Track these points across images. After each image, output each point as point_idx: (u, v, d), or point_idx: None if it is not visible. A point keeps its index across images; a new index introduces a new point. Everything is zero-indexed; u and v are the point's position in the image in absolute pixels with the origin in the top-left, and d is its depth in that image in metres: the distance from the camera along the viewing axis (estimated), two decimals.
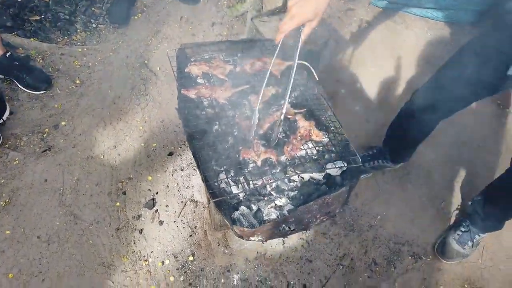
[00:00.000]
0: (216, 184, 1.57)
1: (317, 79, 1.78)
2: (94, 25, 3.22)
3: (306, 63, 1.83)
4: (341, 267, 2.15)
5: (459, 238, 2.17)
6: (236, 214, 1.54)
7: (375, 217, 2.35)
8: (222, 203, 1.56)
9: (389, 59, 3.25)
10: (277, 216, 1.53)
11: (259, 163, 1.57)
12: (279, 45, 1.47)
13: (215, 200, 1.43)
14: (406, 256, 2.22)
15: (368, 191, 2.46)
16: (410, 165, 2.58)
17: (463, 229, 2.18)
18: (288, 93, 1.50)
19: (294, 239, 2.20)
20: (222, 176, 1.64)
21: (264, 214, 1.56)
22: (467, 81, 1.69)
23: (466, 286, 2.15)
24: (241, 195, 1.64)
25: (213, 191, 1.48)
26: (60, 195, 2.28)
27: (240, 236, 1.50)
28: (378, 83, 3.10)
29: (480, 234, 2.16)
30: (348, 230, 2.28)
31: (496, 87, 1.70)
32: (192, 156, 1.58)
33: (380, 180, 2.52)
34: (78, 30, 3.18)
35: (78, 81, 2.85)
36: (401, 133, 2.26)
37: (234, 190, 1.59)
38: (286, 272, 2.10)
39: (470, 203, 2.20)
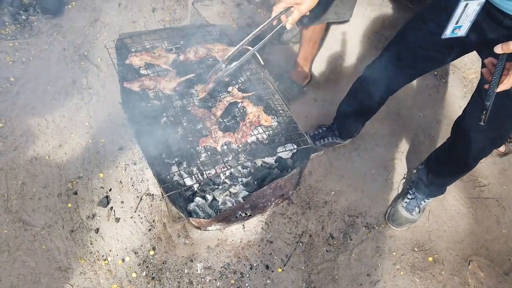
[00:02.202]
0: (168, 177, 1.55)
1: (262, 63, 1.78)
2: (24, 17, 2.99)
3: (249, 48, 1.82)
4: (300, 244, 2.22)
5: (407, 206, 2.30)
6: (192, 205, 1.54)
7: (329, 193, 2.43)
8: (177, 196, 1.55)
9: (331, 36, 3.29)
10: (232, 204, 1.55)
11: (218, 148, 1.56)
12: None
13: (168, 194, 1.42)
14: (360, 227, 2.33)
15: (320, 168, 2.53)
16: (358, 140, 2.67)
17: (410, 197, 2.32)
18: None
19: (253, 223, 2.24)
20: (174, 168, 1.62)
21: (219, 203, 1.57)
22: (410, 54, 1.75)
23: (416, 249, 2.30)
24: (195, 186, 1.64)
25: (166, 185, 1.46)
26: (5, 202, 2.15)
27: (198, 227, 1.51)
28: (323, 61, 3.15)
29: (425, 200, 2.30)
30: (304, 208, 2.35)
31: (437, 57, 1.74)
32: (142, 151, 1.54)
33: (331, 156, 2.60)
34: (7, 23, 2.94)
35: (12, 79, 2.66)
36: (353, 108, 2.29)
37: (188, 182, 1.58)
38: (249, 255, 2.14)
39: (414, 171, 2.33)
